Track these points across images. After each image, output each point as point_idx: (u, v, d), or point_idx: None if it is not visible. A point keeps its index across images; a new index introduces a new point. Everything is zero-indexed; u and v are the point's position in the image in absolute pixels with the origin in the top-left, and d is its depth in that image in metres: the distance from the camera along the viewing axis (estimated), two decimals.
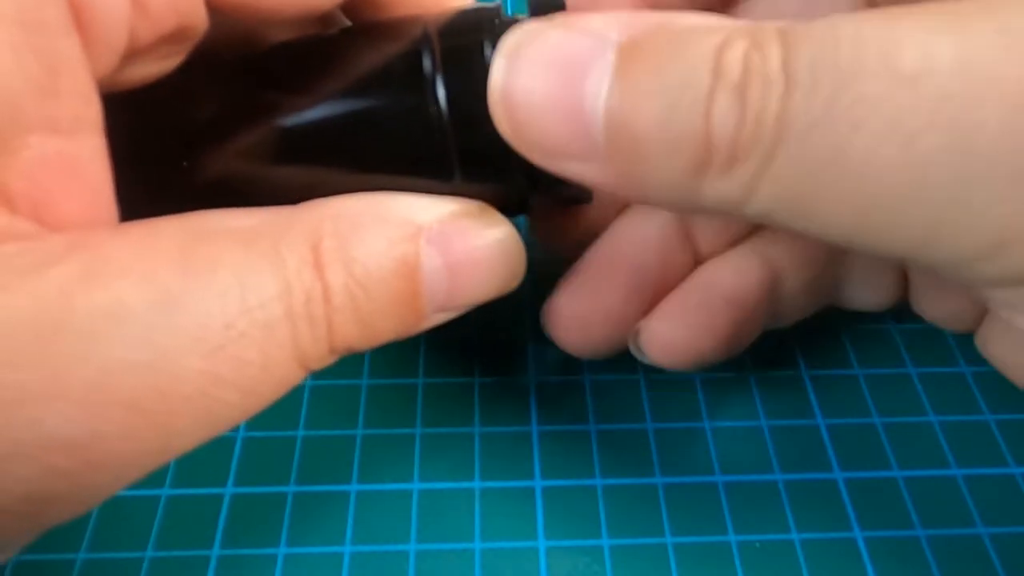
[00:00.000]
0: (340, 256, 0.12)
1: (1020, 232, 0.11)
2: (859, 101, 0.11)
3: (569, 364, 0.23)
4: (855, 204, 0.11)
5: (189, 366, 0.11)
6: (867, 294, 0.20)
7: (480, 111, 0.13)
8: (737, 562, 0.19)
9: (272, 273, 0.12)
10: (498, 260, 0.14)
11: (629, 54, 0.12)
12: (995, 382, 0.23)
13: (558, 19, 0.13)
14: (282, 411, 0.22)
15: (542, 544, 0.19)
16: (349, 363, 0.23)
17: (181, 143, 0.15)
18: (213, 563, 0.19)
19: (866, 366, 0.23)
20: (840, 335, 0.24)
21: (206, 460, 0.21)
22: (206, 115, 0.16)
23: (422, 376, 0.23)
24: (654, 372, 0.23)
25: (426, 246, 0.13)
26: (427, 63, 0.14)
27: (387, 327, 0.13)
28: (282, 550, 0.19)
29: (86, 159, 0.12)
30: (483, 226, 0.14)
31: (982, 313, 0.18)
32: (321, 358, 0.13)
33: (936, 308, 0.20)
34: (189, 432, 0.12)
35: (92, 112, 0.13)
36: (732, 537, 0.20)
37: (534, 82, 0.12)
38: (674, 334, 0.18)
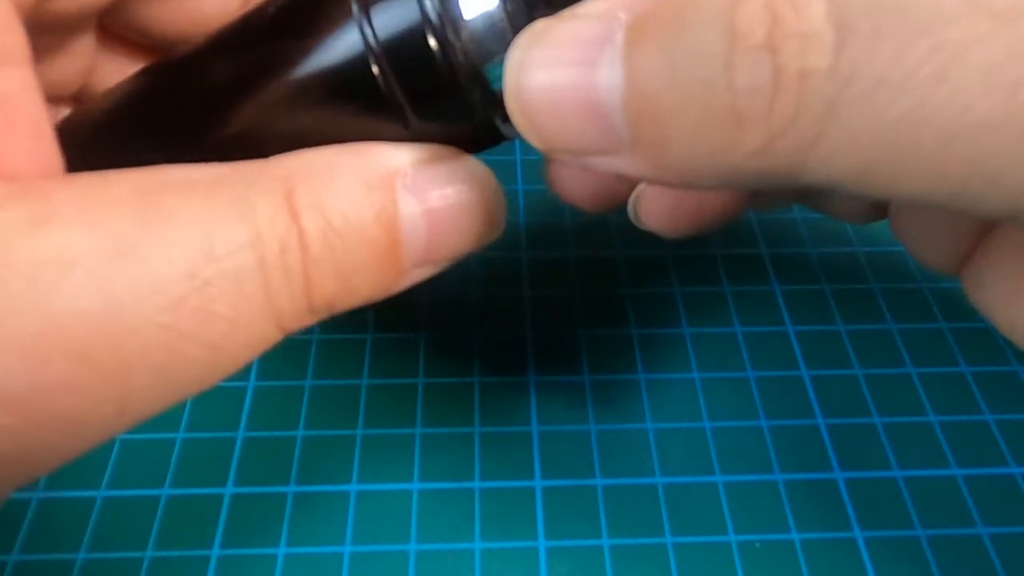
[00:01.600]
0: (315, 202, 0.12)
1: None
2: (941, 48, 0.09)
3: (569, 364, 0.23)
4: (947, 169, 0.10)
5: (147, 317, 0.10)
6: (841, 211, 0.19)
7: (415, 45, 0.13)
8: (737, 562, 0.19)
9: (241, 221, 0.11)
10: (477, 205, 0.14)
11: (637, 32, 0.11)
12: (995, 382, 0.23)
13: (566, 12, 0.12)
14: (282, 411, 0.22)
15: (542, 544, 0.19)
16: (349, 363, 0.23)
17: (185, 111, 0.15)
18: (213, 563, 0.19)
19: (866, 366, 0.23)
20: (840, 335, 0.24)
21: (206, 460, 0.21)
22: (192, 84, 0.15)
23: (422, 376, 0.23)
24: (654, 372, 0.23)
25: (403, 192, 0.13)
26: (354, 5, 0.13)
27: (367, 282, 0.13)
28: (282, 550, 0.19)
29: (15, 92, 0.12)
30: (458, 170, 0.13)
31: (970, 252, 0.16)
32: (298, 316, 0.12)
33: (920, 243, 0.18)
34: (149, 390, 0.11)
35: (14, 41, 0.12)
36: (732, 537, 0.20)
37: (546, 82, 0.12)
38: (667, 197, 0.17)
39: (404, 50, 0.13)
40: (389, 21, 0.13)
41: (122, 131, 0.16)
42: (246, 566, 0.19)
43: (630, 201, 0.18)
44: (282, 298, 0.12)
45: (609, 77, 0.11)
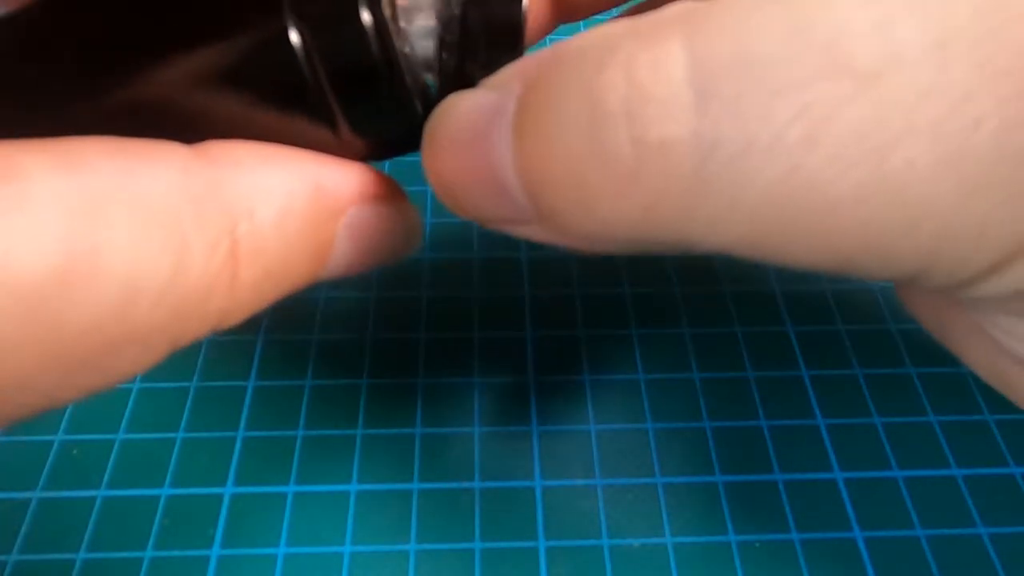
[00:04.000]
0: (257, 244, 0.11)
1: None
2: (807, 110, 0.08)
3: (569, 364, 0.23)
4: (833, 239, 0.09)
5: (37, 375, 0.09)
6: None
7: (345, 15, 0.11)
8: (737, 562, 0.19)
9: (172, 270, 0.10)
10: (402, 242, 0.14)
11: (523, 103, 0.10)
12: None
13: (481, 82, 0.12)
14: (282, 411, 0.22)
15: (542, 544, 0.19)
16: (349, 363, 0.23)
17: (87, 62, 0.13)
18: (213, 563, 0.19)
19: (866, 366, 0.23)
20: (840, 335, 0.24)
21: (206, 460, 0.21)
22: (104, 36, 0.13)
23: (422, 376, 0.23)
24: (654, 372, 0.23)
25: (343, 231, 0.12)
26: None
27: (271, 302, 0.12)
28: (282, 550, 0.19)
29: None
30: (395, 210, 0.13)
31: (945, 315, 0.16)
32: (198, 337, 0.11)
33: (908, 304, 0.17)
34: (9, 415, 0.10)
35: None
36: (732, 537, 0.20)
37: (451, 159, 0.11)
38: None
39: (332, 21, 0.11)
40: (314, 15, 0.12)
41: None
42: (246, 566, 0.19)
43: None
44: (184, 340, 0.11)
45: (502, 152, 0.11)
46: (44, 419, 0.22)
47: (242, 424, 0.22)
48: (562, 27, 0.18)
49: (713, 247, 0.10)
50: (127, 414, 0.22)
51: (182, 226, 0.10)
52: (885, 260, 0.09)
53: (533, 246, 0.26)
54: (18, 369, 0.09)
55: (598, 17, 0.24)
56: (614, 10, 0.18)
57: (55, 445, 0.21)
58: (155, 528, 0.20)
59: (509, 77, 0.11)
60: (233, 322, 0.11)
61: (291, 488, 0.20)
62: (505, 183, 0.11)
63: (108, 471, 0.21)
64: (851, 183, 0.09)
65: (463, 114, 0.11)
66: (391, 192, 0.13)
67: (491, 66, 0.12)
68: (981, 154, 0.08)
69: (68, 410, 0.22)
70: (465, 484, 0.21)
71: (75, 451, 0.21)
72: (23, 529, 0.20)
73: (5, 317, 0.09)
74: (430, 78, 0.13)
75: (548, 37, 0.21)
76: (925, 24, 0.08)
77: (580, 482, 0.21)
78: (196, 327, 0.11)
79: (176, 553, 0.19)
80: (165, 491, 0.20)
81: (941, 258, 0.09)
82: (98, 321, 0.09)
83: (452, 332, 0.24)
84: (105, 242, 0.09)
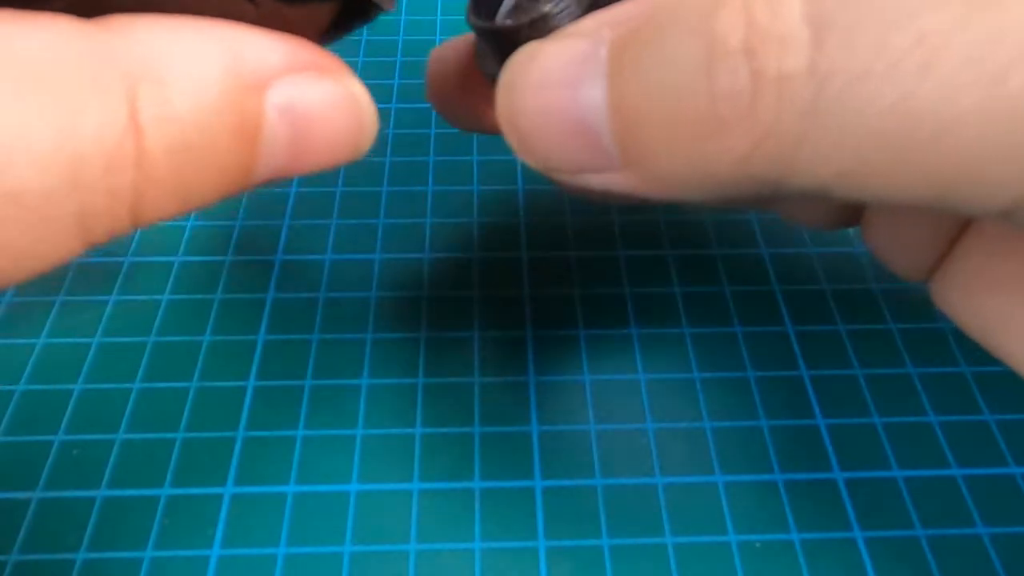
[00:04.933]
0: (163, 110, 0.10)
1: None
2: (922, 38, 0.09)
3: (569, 364, 0.23)
4: (937, 165, 0.09)
5: None
6: (809, 218, 0.19)
7: None
8: (737, 562, 0.19)
9: (57, 129, 0.09)
10: (352, 130, 0.12)
11: (620, 47, 0.11)
12: (995, 382, 0.23)
13: (557, 32, 0.12)
14: (282, 411, 0.22)
15: (542, 544, 0.19)
16: (349, 363, 0.23)
17: None
18: (213, 563, 0.19)
19: (866, 366, 0.23)
20: (840, 335, 0.24)
21: (206, 460, 0.21)
22: None
23: (422, 376, 0.23)
24: (654, 372, 0.23)
25: (274, 111, 0.11)
26: None
27: (206, 194, 0.11)
28: (282, 550, 0.19)
29: None
30: (337, 88, 0.12)
31: (940, 259, 0.16)
32: (115, 232, 0.10)
33: (891, 249, 0.17)
34: None
35: None
36: (732, 537, 0.20)
37: (535, 105, 0.12)
38: None
39: None
40: None
41: None
42: (246, 566, 0.19)
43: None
44: (96, 220, 0.10)
45: (594, 96, 0.11)
46: (44, 419, 0.22)
47: (242, 424, 0.22)
48: None
49: (812, 184, 0.10)
50: (127, 414, 0.22)
51: (66, 85, 0.09)
52: (989, 187, 0.10)
53: (533, 246, 0.26)
54: None
55: None
56: None
57: (55, 445, 0.21)
58: (155, 528, 0.20)
59: (597, 25, 0.11)
60: (162, 208, 0.10)
61: (291, 488, 0.20)
62: (592, 127, 0.11)
63: (108, 471, 0.21)
64: (962, 108, 0.09)
65: (551, 59, 0.11)
66: (331, 67, 0.12)
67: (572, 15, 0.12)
68: None
69: (68, 410, 0.22)
70: (465, 484, 0.21)
71: (75, 451, 0.21)
72: (23, 529, 0.20)
73: None
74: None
75: None
76: None
77: (580, 482, 0.21)
78: (105, 202, 0.10)
79: (176, 553, 0.19)
80: (165, 491, 0.20)
81: None
82: None
83: (452, 332, 0.24)
84: None
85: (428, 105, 0.23)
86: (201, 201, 0.11)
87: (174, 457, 0.21)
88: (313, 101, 0.12)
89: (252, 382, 0.23)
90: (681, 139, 0.10)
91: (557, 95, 0.11)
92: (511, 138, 0.12)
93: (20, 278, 0.10)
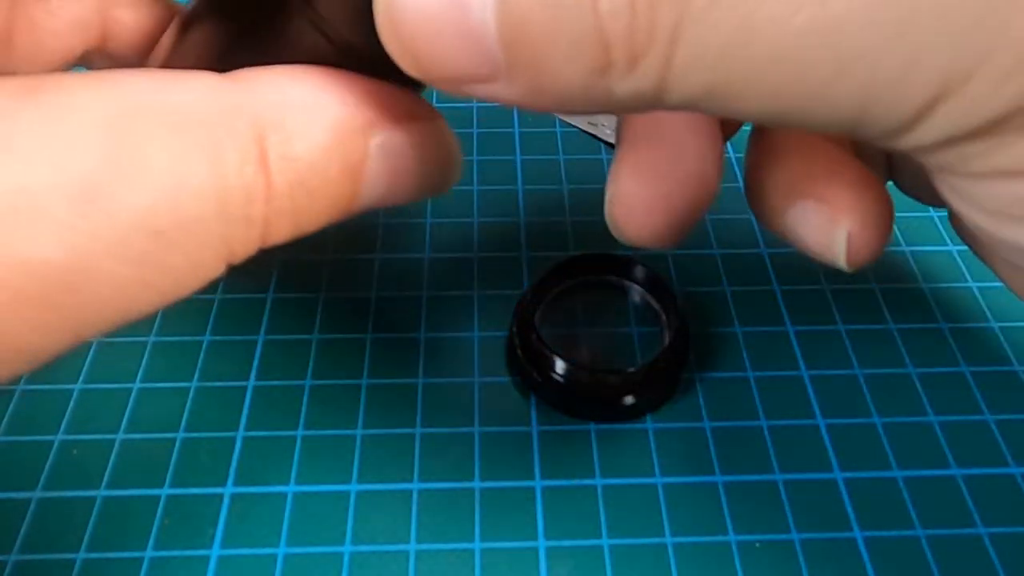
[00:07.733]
0: (287, 152, 0.12)
1: (957, 82, 0.10)
2: None
3: None
4: (777, 84, 0.10)
5: (109, 270, 0.10)
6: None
7: None
8: (737, 562, 0.19)
9: (210, 168, 0.11)
10: (441, 166, 0.14)
11: None
12: (995, 382, 0.23)
13: None
14: (282, 411, 0.22)
15: (542, 544, 0.19)
16: (349, 363, 0.23)
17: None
18: (213, 563, 0.19)
19: (866, 366, 0.23)
20: (841, 335, 0.24)
21: (206, 460, 0.21)
22: None
23: (422, 376, 0.23)
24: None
25: (375, 149, 0.13)
26: None
27: (318, 222, 0.13)
28: (282, 550, 0.19)
29: None
30: (429, 129, 0.14)
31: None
32: (248, 254, 0.12)
33: (905, 177, 0.18)
34: (104, 323, 0.11)
35: None
36: (732, 537, 0.20)
37: (419, 5, 0.11)
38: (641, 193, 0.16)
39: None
40: None
41: None
42: (246, 566, 0.19)
43: (606, 209, 0.17)
44: (237, 243, 0.12)
45: (482, 2, 0.11)
46: (45, 418, 0.22)
47: (242, 424, 0.22)
48: None
49: (684, 100, 0.11)
50: (127, 414, 0.22)
51: (213, 133, 0.11)
52: (823, 108, 0.10)
53: (533, 246, 0.26)
54: (86, 253, 0.10)
55: None
56: None
57: (55, 445, 0.21)
58: (155, 528, 0.20)
59: None
60: (282, 234, 0.12)
61: (291, 488, 0.20)
62: (479, 34, 0.11)
63: (108, 471, 0.21)
64: (796, 28, 0.10)
65: None
66: (424, 112, 0.14)
67: None
68: None
69: (68, 410, 0.22)
70: (465, 484, 0.21)
71: (75, 451, 0.21)
72: (23, 529, 0.20)
73: (60, 204, 0.10)
74: None
75: None
76: None
77: (580, 482, 0.21)
78: (244, 231, 0.12)
79: (176, 553, 0.19)
80: (165, 491, 0.20)
81: (871, 104, 0.10)
82: (151, 207, 0.10)
83: (452, 332, 0.24)
84: (144, 141, 0.11)
85: None
86: (313, 227, 0.13)
87: (174, 457, 0.21)
88: (408, 142, 0.13)
89: (252, 382, 0.23)
90: (568, 52, 0.11)
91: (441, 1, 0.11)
92: (392, 45, 0.12)
93: (181, 295, 0.12)
